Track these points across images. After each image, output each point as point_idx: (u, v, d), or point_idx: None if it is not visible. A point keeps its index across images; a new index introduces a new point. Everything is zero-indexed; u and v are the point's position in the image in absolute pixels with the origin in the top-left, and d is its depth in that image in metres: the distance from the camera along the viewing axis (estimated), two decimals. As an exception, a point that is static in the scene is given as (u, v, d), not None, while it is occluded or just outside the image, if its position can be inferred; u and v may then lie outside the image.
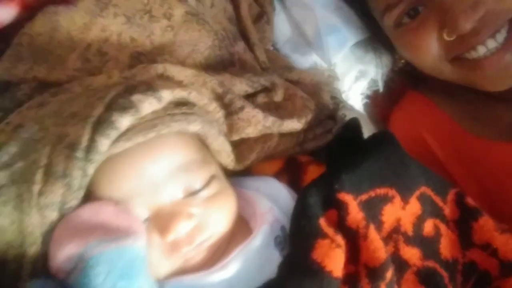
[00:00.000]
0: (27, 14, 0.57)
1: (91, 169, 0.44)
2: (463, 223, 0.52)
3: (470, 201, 0.54)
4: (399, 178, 0.50)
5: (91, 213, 0.44)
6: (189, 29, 0.58)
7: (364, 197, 0.49)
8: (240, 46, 0.62)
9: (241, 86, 0.56)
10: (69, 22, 0.55)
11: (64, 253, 0.42)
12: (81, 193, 0.45)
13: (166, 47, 0.57)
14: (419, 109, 0.77)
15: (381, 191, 0.49)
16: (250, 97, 0.58)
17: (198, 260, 0.46)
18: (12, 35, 0.56)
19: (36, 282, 0.43)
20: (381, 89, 0.78)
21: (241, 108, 0.53)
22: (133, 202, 0.45)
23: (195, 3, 0.60)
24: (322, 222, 0.45)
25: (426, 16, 0.63)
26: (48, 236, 0.44)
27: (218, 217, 0.48)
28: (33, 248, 0.44)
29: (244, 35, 0.65)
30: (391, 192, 0.50)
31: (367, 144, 0.53)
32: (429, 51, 0.65)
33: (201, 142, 0.52)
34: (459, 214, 0.53)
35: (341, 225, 0.46)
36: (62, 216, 0.44)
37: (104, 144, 0.44)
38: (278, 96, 0.58)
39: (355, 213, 0.47)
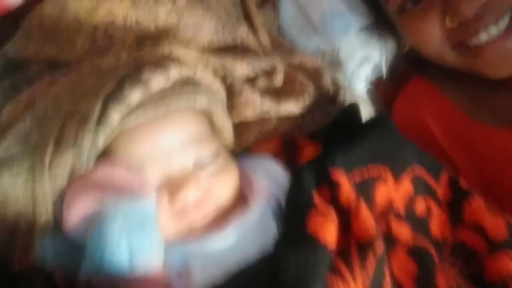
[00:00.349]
0: (37, -4, 0.59)
1: (100, 141, 0.47)
2: (455, 203, 0.54)
3: (462, 182, 0.56)
4: (391, 157, 0.52)
5: (106, 174, 0.47)
6: (192, 13, 0.60)
7: (357, 176, 0.50)
8: (243, 31, 0.63)
9: (241, 70, 0.58)
10: (77, 5, 0.57)
11: (80, 211, 0.44)
12: (90, 164, 0.47)
13: (170, 30, 0.58)
14: (423, 94, 0.78)
15: (373, 169, 0.51)
16: (250, 81, 0.59)
17: (201, 228, 0.49)
18: (22, 17, 0.59)
19: (47, 240, 0.46)
20: (384, 75, 0.78)
21: (240, 92, 0.55)
22: (147, 167, 0.48)
23: (199, -13, 0.61)
24: (316, 197, 0.47)
25: (429, 2, 0.64)
26: (58, 205, 0.46)
27: (223, 189, 0.51)
28: (43, 217, 0.46)
29: (248, 20, 0.66)
30: (384, 170, 0.51)
31: (363, 126, 0.55)
32: (432, 37, 0.66)
33: (207, 121, 0.55)
34: (451, 195, 0.55)
35: (334, 202, 0.48)
36: None
37: (114, 117, 0.46)
38: (278, 80, 0.60)
39: (347, 191, 0.48)
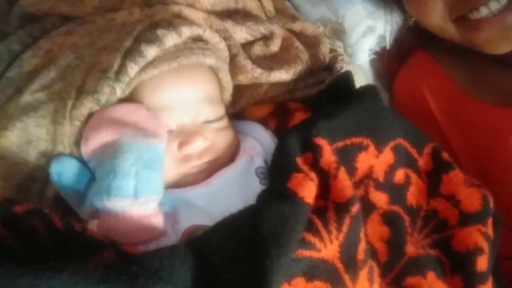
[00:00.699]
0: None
1: (119, 89, 0.51)
2: (434, 174, 0.56)
3: (445, 155, 0.57)
4: (375, 129, 0.54)
5: (127, 111, 0.51)
6: (198, -25, 0.62)
7: (339, 144, 0.53)
8: (246, -5, 0.65)
9: (241, 33, 0.61)
10: (88, -38, 0.60)
11: (101, 138, 0.50)
12: None
13: (176, -11, 0.61)
14: (424, 69, 0.79)
15: (356, 139, 0.53)
16: (248, 44, 0.62)
17: (197, 176, 0.54)
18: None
19: (62, 159, 0.50)
20: (388, 46, 0.79)
21: (235, 55, 0.59)
22: (165, 113, 0.53)
23: (206, -50, 0.63)
24: (299, 160, 0.50)
25: None
26: (74, 146, 0.51)
27: (223, 144, 0.57)
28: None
29: (252, -17, 0.68)
30: (366, 141, 0.54)
31: (350, 97, 0.57)
32: (434, 10, 0.66)
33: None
34: (432, 167, 0.57)
35: (315, 166, 0.51)
36: None
37: (133, 68, 0.51)
38: (275, 46, 0.62)
39: (328, 156, 0.51)
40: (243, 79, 0.59)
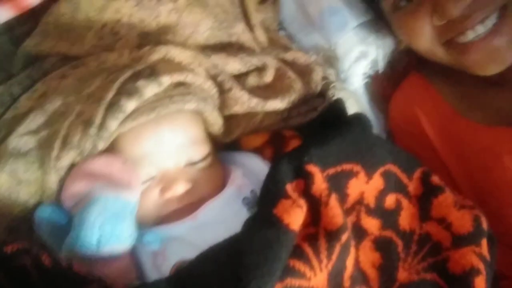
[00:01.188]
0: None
1: (100, 145, 0.54)
2: (424, 198, 0.57)
3: (435, 179, 0.58)
4: (364, 156, 0.55)
5: (104, 163, 0.54)
6: (192, 11, 0.65)
7: (331, 171, 0.54)
8: (239, 28, 0.68)
9: (234, 65, 0.63)
10: (88, 4, 0.63)
11: (75, 188, 0.52)
12: None
13: (170, 27, 0.64)
14: (417, 91, 0.80)
15: (347, 166, 0.54)
16: (243, 75, 0.64)
17: (182, 212, 0.55)
18: (41, 15, 0.65)
19: (47, 206, 0.54)
20: (380, 70, 0.81)
21: (230, 89, 0.61)
22: (146, 162, 0.55)
23: (199, -13, 0.66)
24: (288, 187, 0.51)
25: (420, 1, 0.66)
26: (60, 191, 0.54)
27: (207, 186, 0.58)
28: (49, 200, 0.55)
29: (246, 17, 0.70)
30: (356, 167, 0.55)
31: (341, 124, 0.58)
32: (423, 34, 0.68)
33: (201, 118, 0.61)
34: (422, 191, 0.58)
35: (306, 193, 0.52)
36: None
37: (113, 124, 0.54)
38: (268, 76, 0.64)
39: (319, 183, 0.52)
40: (239, 109, 0.62)
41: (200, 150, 0.58)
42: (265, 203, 0.50)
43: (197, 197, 0.56)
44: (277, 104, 0.62)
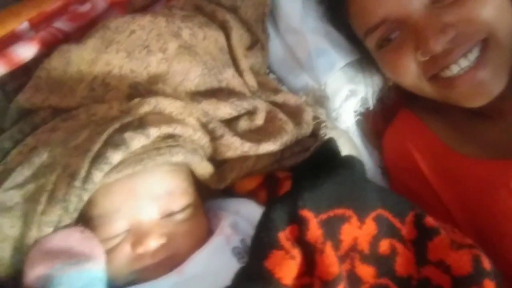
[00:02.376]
0: (46, 51, 0.67)
1: (85, 196, 0.53)
2: (419, 242, 0.56)
3: (429, 221, 0.57)
4: (355, 200, 0.55)
5: (60, 239, 0.52)
6: (181, 60, 0.66)
7: (323, 216, 0.53)
8: (229, 73, 0.69)
9: (225, 109, 0.64)
10: (79, 58, 0.64)
11: (35, 273, 0.50)
12: (75, 214, 0.54)
13: (160, 76, 0.65)
14: (408, 127, 0.81)
15: (339, 211, 0.54)
16: (234, 119, 0.65)
17: (157, 270, 0.53)
18: (33, 69, 0.66)
19: None
20: (371, 107, 0.82)
21: (221, 136, 0.61)
22: (118, 215, 0.54)
23: (188, 37, 0.68)
24: (281, 235, 0.50)
25: (403, 39, 0.68)
26: None
27: (184, 240, 0.56)
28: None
29: (235, 63, 0.72)
30: (348, 212, 0.54)
31: (333, 166, 0.58)
32: (408, 71, 0.69)
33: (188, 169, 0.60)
34: (416, 234, 0.57)
35: (301, 240, 0.51)
36: None
37: (98, 176, 0.53)
38: (259, 119, 0.65)
39: (314, 229, 0.51)
40: (232, 154, 0.61)
41: (178, 202, 0.57)
42: (256, 255, 0.49)
43: (174, 252, 0.54)
44: (270, 146, 0.62)
